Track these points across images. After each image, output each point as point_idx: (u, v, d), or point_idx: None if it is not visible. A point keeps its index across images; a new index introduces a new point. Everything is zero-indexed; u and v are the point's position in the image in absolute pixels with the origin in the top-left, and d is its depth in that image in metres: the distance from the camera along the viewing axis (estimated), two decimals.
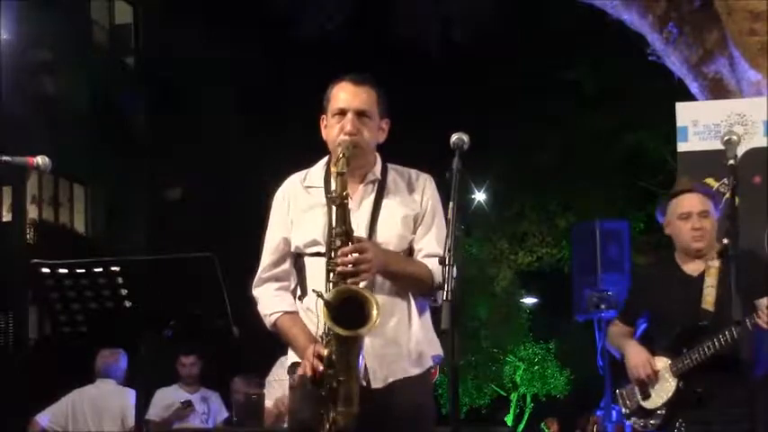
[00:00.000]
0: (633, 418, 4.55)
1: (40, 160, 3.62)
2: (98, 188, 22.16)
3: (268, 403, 6.05)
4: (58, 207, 21.52)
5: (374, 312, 3.20)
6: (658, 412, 4.43)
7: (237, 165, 21.59)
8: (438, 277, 3.27)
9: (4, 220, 20.25)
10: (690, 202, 4.49)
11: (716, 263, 4.39)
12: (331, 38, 14.68)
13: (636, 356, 4.48)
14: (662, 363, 4.44)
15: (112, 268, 3.26)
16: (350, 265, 3.26)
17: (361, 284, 3.31)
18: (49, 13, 19.49)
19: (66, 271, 3.27)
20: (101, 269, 3.26)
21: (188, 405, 7.50)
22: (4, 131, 17.00)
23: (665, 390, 4.42)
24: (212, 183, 21.67)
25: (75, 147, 19.63)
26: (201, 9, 20.55)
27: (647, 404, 4.47)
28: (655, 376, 4.43)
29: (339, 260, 3.27)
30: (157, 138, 22.62)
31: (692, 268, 4.48)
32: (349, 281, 3.27)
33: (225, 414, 8.05)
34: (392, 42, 16.54)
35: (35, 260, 3.30)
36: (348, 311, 3.21)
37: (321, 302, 3.22)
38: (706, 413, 4.28)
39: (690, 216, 4.46)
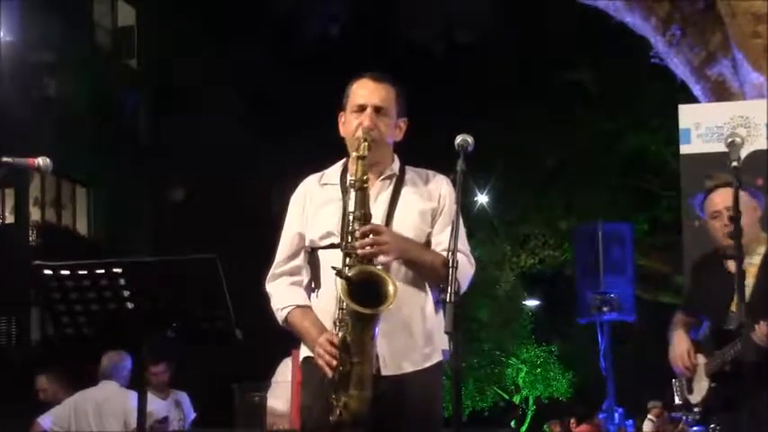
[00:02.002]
0: (682, 410, 4.54)
1: (41, 161, 3.61)
2: (100, 190, 22.18)
3: (275, 402, 6.03)
4: (60, 209, 21.54)
5: (391, 292, 3.20)
6: (696, 409, 4.42)
7: (239, 166, 21.61)
8: (463, 269, 3.29)
9: (7, 221, 20.27)
10: (720, 198, 4.37)
11: (757, 260, 4.29)
12: (333, 39, 14.69)
13: (675, 348, 4.46)
14: (702, 360, 4.41)
15: (115, 270, 3.25)
16: (368, 247, 3.27)
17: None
18: (51, 14, 19.51)
19: (68, 272, 3.26)
20: (103, 270, 3.26)
21: (164, 420, 7.52)
22: (7, 133, 17.01)
23: (701, 388, 4.41)
24: (214, 184, 21.69)
25: (78, 148, 19.66)
26: (204, 11, 20.58)
27: (691, 398, 4.48)
28: (693, 369, 4.40)
29: (357, 243, 3.28)
30: (159, 139, 22.65)
31: (733, 266, 4.37)
32: (373, 259, 3.28)
33: (193, 414, 8.16)
34: (394, 43, 16.55)
35: (37, 262, 3.30)
36: (365, 292, 3.21)
37: (339, 282, 3.22)
38: (736, 416, 4.20)
39: (720, 214, 4.36)
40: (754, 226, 4.36)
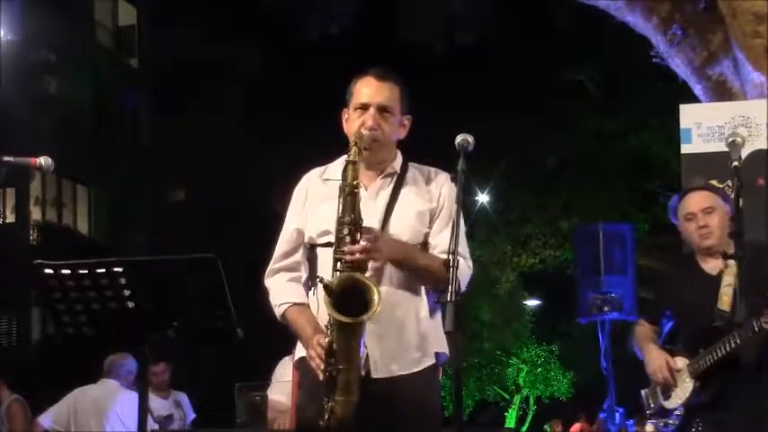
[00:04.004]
0: (655, 418, 4.53)
1: (43, 161, 3.61)
2: (101, 189, 22.19)
3: (278, 397, 6.03)
4: (61, 208, 21.55)
5: (375, 300, 3.19)
6: (676, 413, 4.42)
7: (239, 165, 21.63)
8: (461, 272, 3.25)
9: (8, 221, 20.28)
10: (692, 201, 4.45)
11: (730, 262, 4.27)
12: (333, 39, 14.68)
13: (654, 361, 4.45)
14: (682, 363, 4.41)
15: (115, 269, 3.25)
16: (357, 254, 3.26)
17: (369, 273, 3.30)
18: (52, 14, 19.53)
19: (68, 272, 3.26)
20: (103, 270, 3.25)
21: (168, 417, 7.54)
22: (8, 132, 17.02)
23: (683, 390, 4.40)
24: (214, 183, 21.71)
25: (78, 148, 19.67)
26: (205, 11, 20.59)
27: (668, 404, 4.46)
28: (673, 378, 4.40)
29: (347, 248, 3.27)
30: (160, 139, 22.67)
31: (710, 266, 4.42)
32: (357, 269, 3.26)
33: (192, 415, 8.22)
34: (395, 44, 16.55)
35: (38, 261, 3.30)
36: (350, 299, 3.21)
37: (321, 291, 3.22)
38: (722, 415, 4.23)
39: (694, 216, 4.41)
40: (725, 226, 4.39)
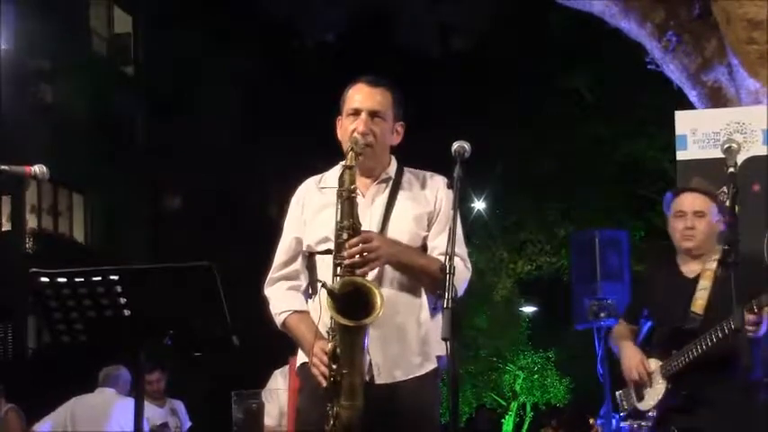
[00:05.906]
0: (629, 420, 4.55)
1: (38, 169, 3.61)
2: (97, 197, 22.15)
3: (269, 421, 6.04)
4: (57, 216, 21.50)
5: (378, 303, 3.20)
6: (649, 414, 4.43)
7: (237, 174, 21.62)
8: (459, 274, 3.26)
9: (4, 229, 20.24)
10: (686, 200, 4.44)
11: (713, 266, 4.33)
12: (330, 43, 14.71)
13: (629, 359, 4.48)
14: (655, 364, 4.43)
15: (111, 277, 3.24)
16: (357, 256, 3.26)
17: (370, 277, 3.31)
18: (48, 22, 19.52)
19: (64, 280, 3.25)
20: (99, 278, 3.25)
21: (163, 426, 7.53)
22: (4, 140, 17.01)
23: (656, 392, 4.41)
24: (211, 191, 21.69)
25: (74, 156, 19.64)
26: (200, 18, 20.60)
27: (641, 406, 4.48)
28: (648, 378, 4.41)
29: (346, 252, 3.28)
30: (156, 146, 22.64)
31: (689, 269, 4.44)
32: (358, 271, 3.28)
33: (189, 423, 8.22)
34: (392, 49, 16.58)
35: (34, 269, 3.29)
36: (352, 303, 3.22)
37: (324, 295, 3.24)
38: (697, 420, 4.24)
39: (684, 215, 4.42)
40: (713, 235, 4.41)
